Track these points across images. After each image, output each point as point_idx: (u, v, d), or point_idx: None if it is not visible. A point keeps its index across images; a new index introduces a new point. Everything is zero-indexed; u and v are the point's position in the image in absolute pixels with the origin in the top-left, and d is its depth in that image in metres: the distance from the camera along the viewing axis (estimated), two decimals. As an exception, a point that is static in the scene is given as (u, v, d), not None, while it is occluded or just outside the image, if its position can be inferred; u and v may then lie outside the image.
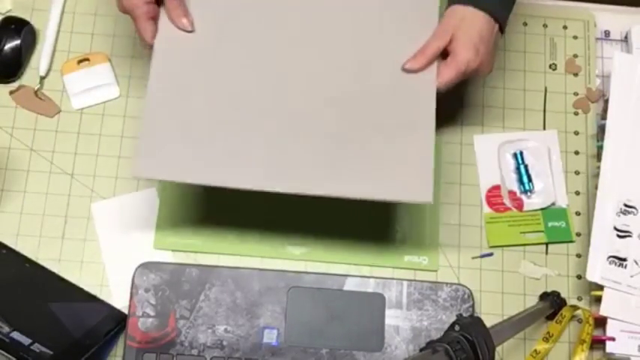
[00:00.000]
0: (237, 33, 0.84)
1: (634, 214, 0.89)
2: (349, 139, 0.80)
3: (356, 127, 0.81)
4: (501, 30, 0.85)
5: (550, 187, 0.93)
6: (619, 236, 0.88)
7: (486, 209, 0.92)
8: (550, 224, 0.92)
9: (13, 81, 0.95)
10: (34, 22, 0.97)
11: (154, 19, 0.82)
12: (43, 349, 0.79)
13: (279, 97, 0.81)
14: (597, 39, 1.00)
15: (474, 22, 0.83)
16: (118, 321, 0.86)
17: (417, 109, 0.82)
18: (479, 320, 0.70)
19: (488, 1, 0.83)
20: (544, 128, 0.96)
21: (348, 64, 0.83)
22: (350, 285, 0.87)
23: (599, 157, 0.92)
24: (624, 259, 0.88)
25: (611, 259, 0.87)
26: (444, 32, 0.83)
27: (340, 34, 0.85)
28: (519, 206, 0.92)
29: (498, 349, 0.77)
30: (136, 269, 0.87)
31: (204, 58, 0.83)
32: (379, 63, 0.83)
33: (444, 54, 0.83)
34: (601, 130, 0.93)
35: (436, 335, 0.84)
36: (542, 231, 0.92)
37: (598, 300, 0.87)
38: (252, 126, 0.80)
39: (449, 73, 0.82)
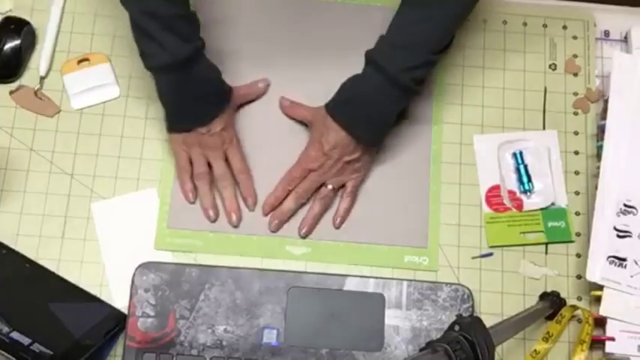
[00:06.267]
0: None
1: (634, 214, 0.89)
2: (359, 194, 0.92)
3: (364, 183, 0.92)
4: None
5: (550, 187, 0.93)
6: (619, 236, 0.88)
7: (486, 209, 0.92)
8: (550, 224, 0.92)
9: (13, 81, 0.95)
10: (34, 22, 0.97)
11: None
12: (43, 349, 0.79)
13: (293, 160, 0.92)
14: (597, 39, 1.00)
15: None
16: (117, 321, 0.86)
17: (415, 170, 0.93)
18: (479, 320, 0.70)
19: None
20: (544, 128, 0.96)
21: None
22: (350, 285, 0.87)
23: (599, 157, 0.92)
24: (624, 259, 0.88)
25: (611, 259, 0.87)
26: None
27: None
28: (519, 206, 0.92)
29: (498, 349, 0.77)
30: (136, 269, 0.87)
31: None
32: None
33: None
34: (601, 130, 0.93)
35: (436, 335, 0.84)
36: (542, 231, 0.92)
37: (598, 300, 0.87)
38: (270, 183, 0.91)
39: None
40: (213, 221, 0.90)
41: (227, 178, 0.90)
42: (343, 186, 0.91)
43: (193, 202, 0.91)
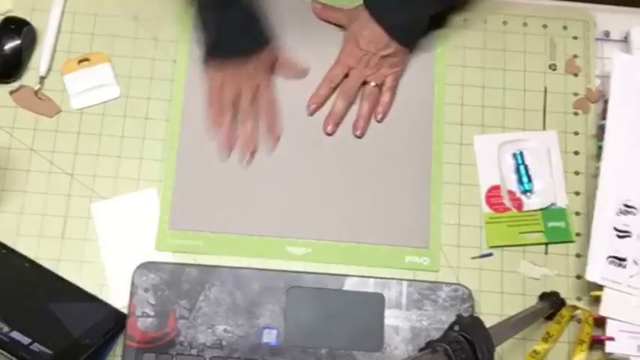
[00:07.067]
0: None
1: (634, 214, 0.89)
2: (360, 195, 0.92)
3: (365, 183, 0.92)
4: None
5: (550, 187, 0.93)
6: (619, 236, 0.88)
7: (486, 209, 0.92)
8: (550, 224, 0.92)
9: (13, 81, 0.95)
10: (34, 22, 0.97)
11: None
12: (43, 348, 0.79)
13: (294, 160, 0.93)
14: (597, 39, 1.00)
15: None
16: (117, 321, 0.86)
17: (416, 170, 0.93)
18: (478, 320, 0.70)
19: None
20: (544, 128, 0.96)
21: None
22: (349, 285, 0.87)
23: (599, 157, 0.92)
24: (624, 259, 0.88)
25: (610, 259, 0.87)
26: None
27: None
28: (519, 206, 0.92)
29: (498, 349, 0.77)
30: (136, 269, 0.87)
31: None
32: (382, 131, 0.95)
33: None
34: (601, 130, 0.93)
35: (436, 335, 0.84)
36: (541, 231, 0.92)
37: (597, 300, 0.87)
38: (271, 183, 0.92)
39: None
40: (224, 160, 0.91)
41: (250, 113, 0.92)
42: (383, 83, 0.94)
43: (212, 129, 0.92)
